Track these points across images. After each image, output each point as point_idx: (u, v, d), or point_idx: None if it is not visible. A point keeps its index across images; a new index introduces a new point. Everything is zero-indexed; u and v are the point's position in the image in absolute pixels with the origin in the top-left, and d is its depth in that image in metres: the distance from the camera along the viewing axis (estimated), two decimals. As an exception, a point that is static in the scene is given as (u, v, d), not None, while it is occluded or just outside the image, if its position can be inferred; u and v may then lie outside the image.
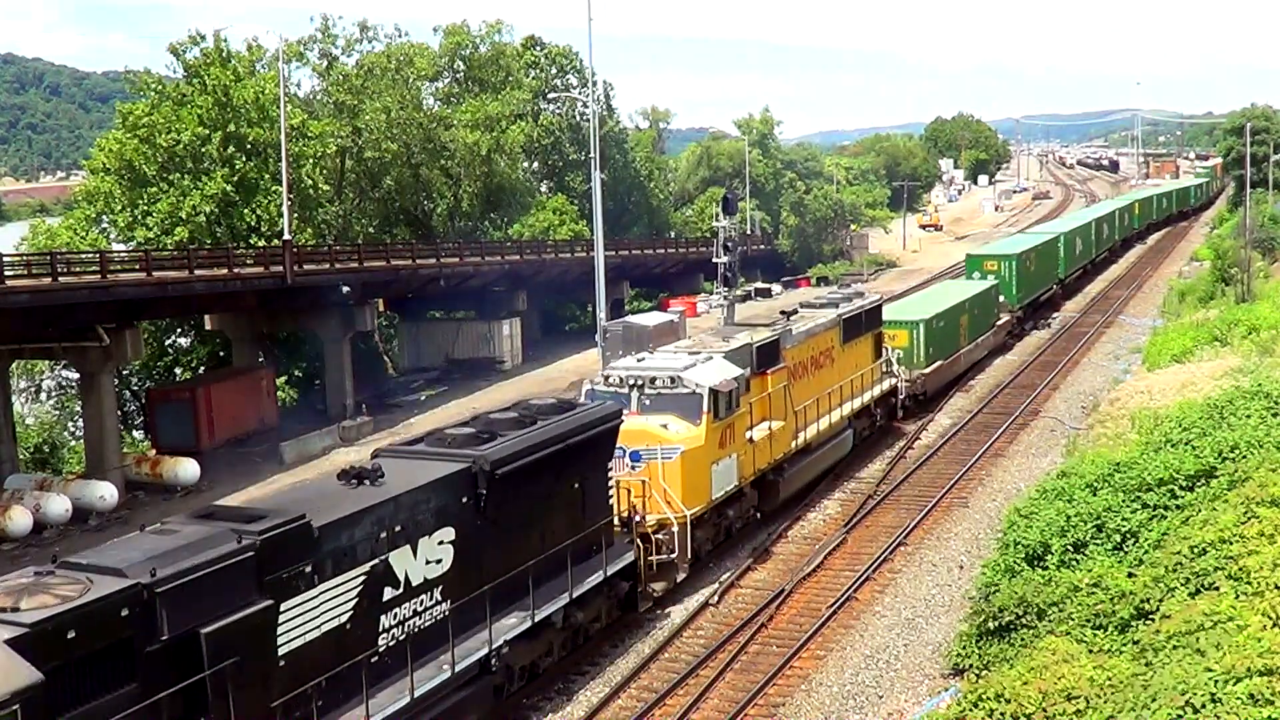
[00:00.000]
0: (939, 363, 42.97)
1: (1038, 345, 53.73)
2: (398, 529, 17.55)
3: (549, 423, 21.67)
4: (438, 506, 18.38)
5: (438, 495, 18.41)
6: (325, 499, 17.25)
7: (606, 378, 26.31)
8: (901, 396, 39.82)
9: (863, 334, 36.57)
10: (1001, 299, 53.30)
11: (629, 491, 24.17)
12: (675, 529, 24.61)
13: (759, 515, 29.61)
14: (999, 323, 52.03)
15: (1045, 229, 75.36)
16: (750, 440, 27.77)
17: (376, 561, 17.13)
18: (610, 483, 23.22)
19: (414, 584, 17.90)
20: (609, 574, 22.70)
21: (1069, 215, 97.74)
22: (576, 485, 21.96)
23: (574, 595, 21.55)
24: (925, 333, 41.82)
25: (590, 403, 24.50)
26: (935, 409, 42.34)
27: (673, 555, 24.72)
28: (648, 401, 25.69)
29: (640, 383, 25.89)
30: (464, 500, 18.92)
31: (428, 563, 18.17)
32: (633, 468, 24.62)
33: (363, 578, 16.86)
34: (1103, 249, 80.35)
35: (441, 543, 18.44)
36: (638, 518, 24.01)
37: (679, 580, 25.44)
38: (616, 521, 23.61)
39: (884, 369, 38.37)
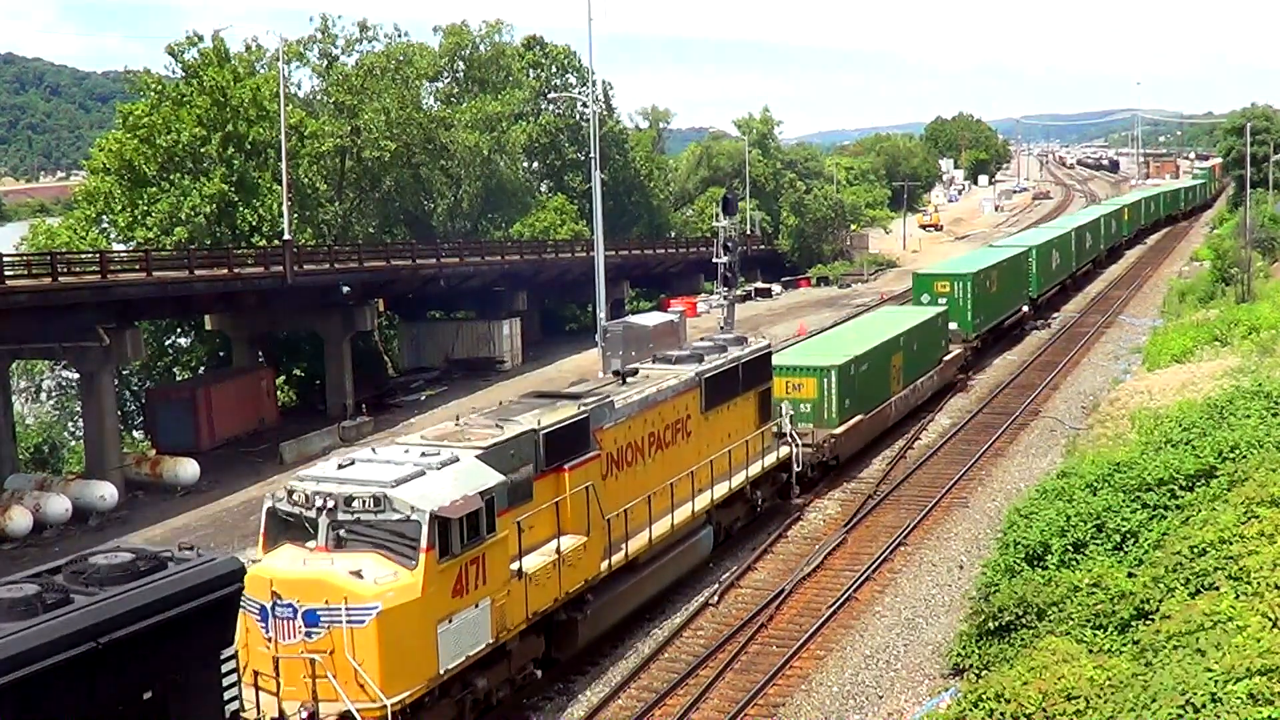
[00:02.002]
0: (858, 418, 35.23)
1: (1038, 345, 53.71)
2: None
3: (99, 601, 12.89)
4: None
5: None
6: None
7: (290, 493, 18.49)
8: (799, 468, 31.60)
9: (738, 394, 28.81)
10: (954, 326, 46.29)
11: (311, 666, 16.91)
12: None
13: (539, 672, 21.36)
14: (948, 357, 44.42)
15: (1015, 241, 66.70)
16: (519, 574, 19.88)
17: None
18: (226, 677, 14.37)
19: None
20: None
21: (1046, 225, 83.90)
22: (149, 695, 13.18)
23: None
24: (839, 381, 33.93)
25: (191, 557, 14.33)
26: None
27: None
28: (343, 533, 18.01)
29: (332, 504, 18.05)
30: None
31: None
32: (307, 634, 17.25)
33: None
34: (1085, 261, 72.72)
35: None
36: (305, 715, 16.86)
37: None
38: None
39: (774, 435, 30.83)
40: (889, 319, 44.41)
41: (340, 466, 19.02)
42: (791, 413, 31.86)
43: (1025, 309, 56.94)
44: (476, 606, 18.84)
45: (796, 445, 31.29)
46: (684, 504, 25.68)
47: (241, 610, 15.72)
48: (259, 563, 18.31)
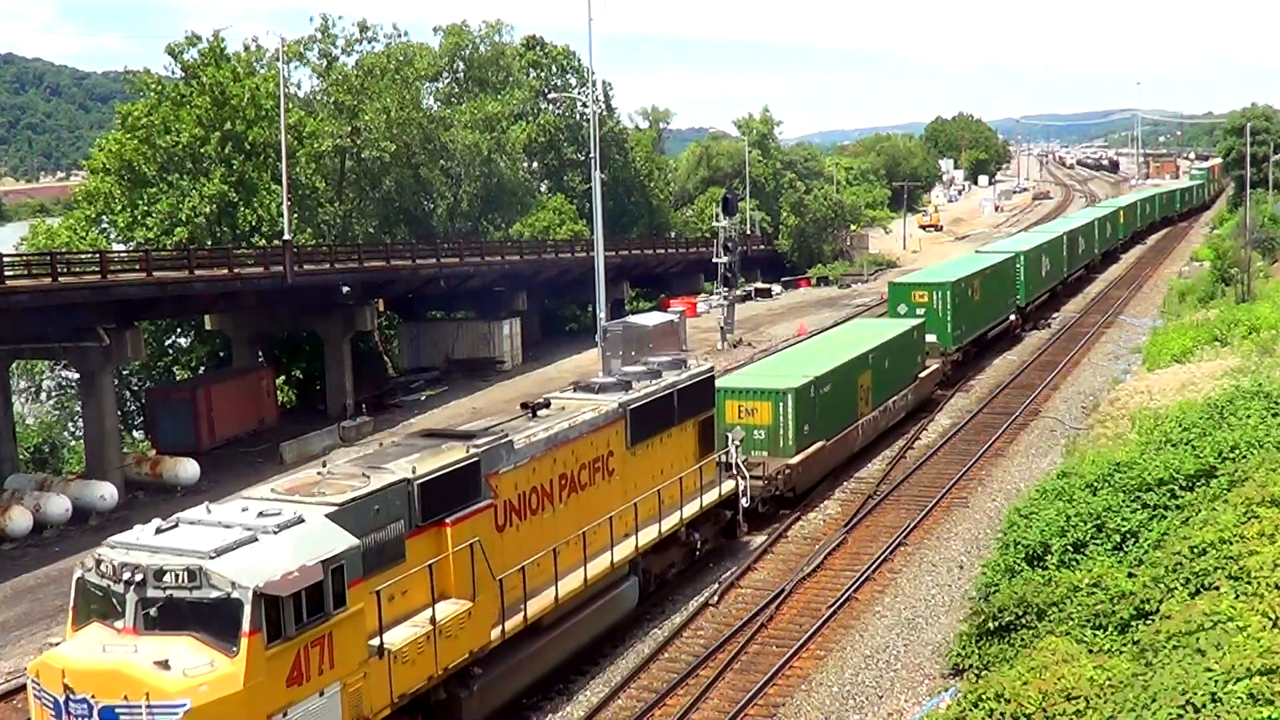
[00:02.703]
0: (819, 444, 32.49)
1: (1038, 345, 53.71)
2: None
3: None
4: None
5: None
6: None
7: (99, 562, 15.88)
8: (746, 503, 28.79)
9: (673, 425, 25.80)
10: (932, 339, 43.71)
11: None
12: None
13: None
14: (924, 373, 41.68)
15: (1001, 246, 63.86)
16: (381, 652, 17.14)
17: None
18: None
19: None
20: None
21: (1036, 229, 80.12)
22: None
23: None
24: (796, 405, 31.26)
25: None
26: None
27: None
28: (154, 612, 15.33)
29: (141, 577, 15.33)
30: None
31: None
32: None
33: None
34: (1077, 266, 70.30)
35: None
36: None
37: None
38: None
39: (718, 467, 27.84)
40: (859, 333, 41.47)
41: (159, 531, 16.14)
42: (739, 442, 28.65)
43: (1012, 318, 54.60)
44: (322, 695, 16.01)
45: (744, 478, 28.44)
46: (601, 554, 22.74)
47: (36, 703, 15.03)
48: (57, 647, 16.00)
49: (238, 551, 15.57)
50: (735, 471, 28.31)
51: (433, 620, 18.09)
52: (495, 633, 19.65)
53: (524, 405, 23.38)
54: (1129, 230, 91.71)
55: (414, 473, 18.42)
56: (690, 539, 26.57)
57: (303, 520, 16.49)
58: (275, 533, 16.07)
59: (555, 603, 21.27)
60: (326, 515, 16.77)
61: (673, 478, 25.40)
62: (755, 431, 30.97)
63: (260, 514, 16.49)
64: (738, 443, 28.59)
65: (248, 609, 14.95)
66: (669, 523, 25.19)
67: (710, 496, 26.93)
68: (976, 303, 48.40)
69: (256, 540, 15.87)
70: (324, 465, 19.00)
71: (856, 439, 35.56)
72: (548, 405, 23.44)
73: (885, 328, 41.73)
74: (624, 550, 23.45)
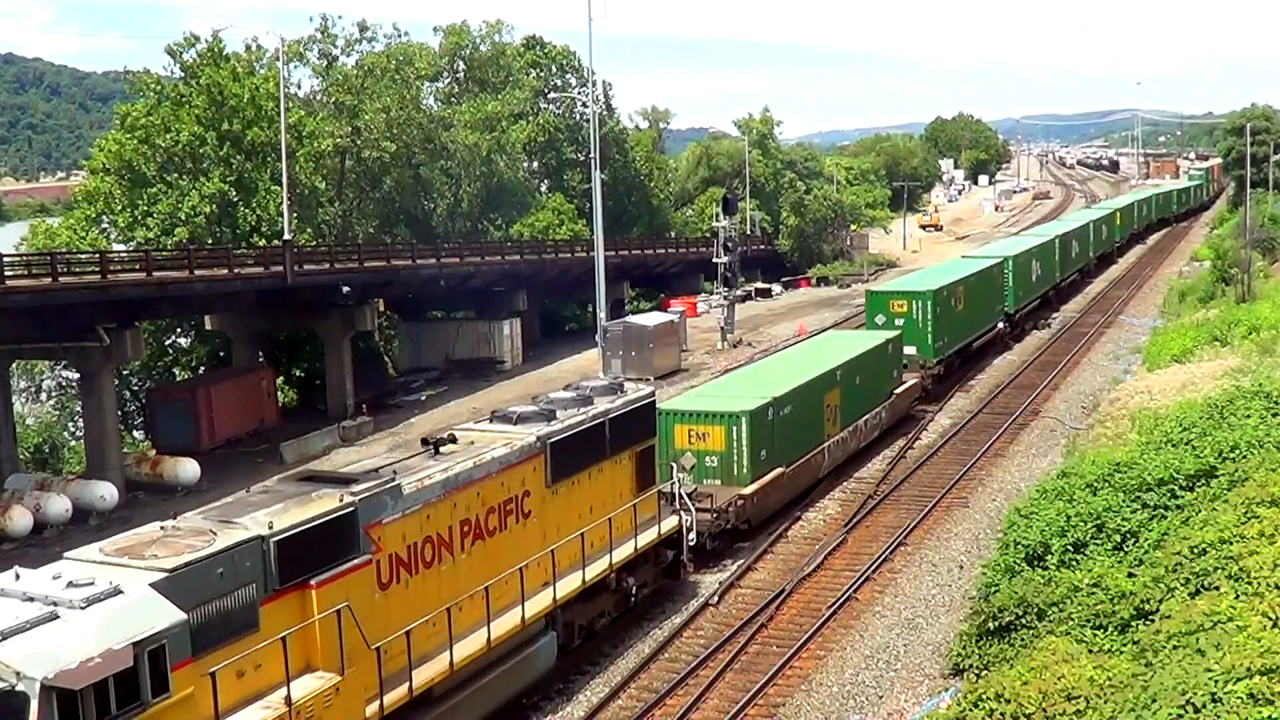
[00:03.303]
0: (777, 471, 29.95)
1: (1038, 345, 53.70)
2: None
3: None
4: None
5: None
6: None
7: None
8: (693, 541, 26.09)
9: (605, 458, 23.37)
10: (911, 351, 41.58)
11: None
12: None
13: None
14: (901, 389, 39.34)
15: (989, 251, 60.98)
16: None
17: None
18: None
19: None
20: None
21: (1028, 233, 76.24)
22: None
23: None
24: (752, 429, 28.73)
25: None
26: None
27: None
28: None
29: None
30: None
31: None
32: None
33: None
34: (1070, 271, 67.90)
35: None
36: None
37: None
38: None
39: (657, 502, 25.26)
40: (828, 347, 38.74)
41: None
42: (685, 472, 26.37)
43: (1001, 326, 52.45)
44: None
45: (690, 513, 25.95)
46: (511, 609, 20.19)
47: None
48: None
49: (30, 633, 13.14)
50: (680, 505, 25.82)
51: (288, 700, 15.50)
52: (371, 709, 17.02)
53: (425, 441, 20.65)
54: (1125, 233, 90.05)
55: (270, 528, 15.93)
56: (624, 584, 23.98)
57: (119, 592, 13.98)
58: (82, 608, 13.57)
59: (450, 669, 18.63)
60: (153, 584, 14.30)
61: (603, 517, 22.92)
62: (707, 458, 28.53)
63: (70, 584, 14.01)
64: (688, 470, 26.56)
65: (34, 705, 12.60)
66: (597, 568, 22.62)
67: (648, 536, 24.42)
68: (960, 312, 46.13)
69: (57, 618, 13.46)
70: (172, 518, 16.45)
71: (822, 463, 33.05)
72: (453, 440, 20.78)
73: (858, 340, 39.23)
74: (539, 603, 20.90)
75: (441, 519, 19.01)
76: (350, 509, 17.08)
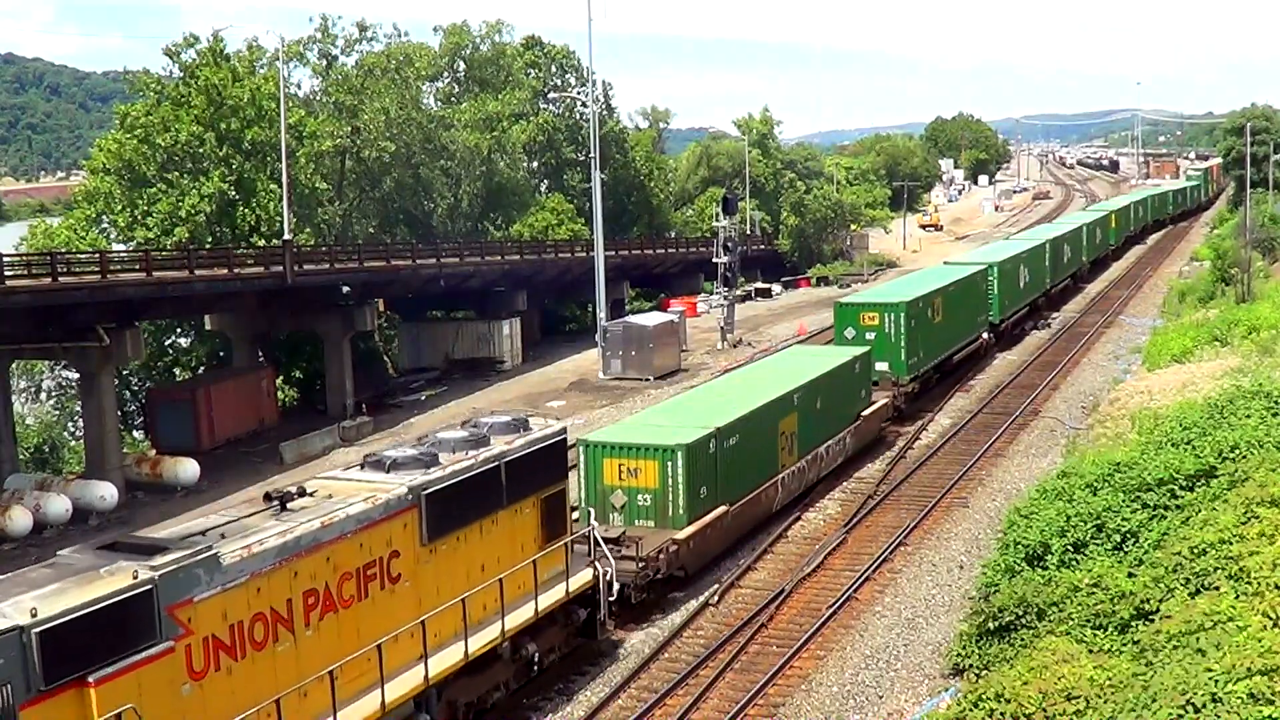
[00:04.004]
0: (720, 510, 26.85)
1: (1037, 345, 53.70)
2: None
3: None
4: None
5: None
6: None
7: None
8: (613, 596, 22.87)
9: (501, 507, 20.28)
10: (883, 367, 38.77)
11: None
12: None
13: None
14: (869, 410, 36.30)
15: (975, 256, 57.64)
16: None
17: None
18: None
19: None
20: None
21: (1018, 237, 71.49)
22: None
23: None
24: (689, 464, 25.51)
25: None
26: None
27: None
28: None
29: None
30: None
31: None
32: None
33: None
34: (1061, 277, 65.31)
35: None
36: None
37: None
38: None
39: (567, 555, 21.87)
40: (787, 366, 35.43)
41: None
42: (616, 511, 23.99)
43: (985, 336, 49.44)
44: None
45: (609, 563, 22.70)
46: (368, 691, 17.23)
47: None
48: None
49: None
50: (596, 555, 22.63)
51: None
52: None
53: (269, 496, 17.51)
54: (1121, 235, 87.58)
55: (32, 616, 13.14)
56: (524, 652, 20.96)
57: None
58: None
59: None
60: None
61: (494, 576, 19.85)
62: (640, 496, 25.45)
63: None
64: (618, 509, 24.22)
65: None
66: (484, 636, 19.56)
67: (553, 595, 21.30)
68: (938, 324, 42.98)
69: None
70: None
71: (775, 496, 29.91)
72: (305, 494, 17.76)
73: (822, 358, 35.88)
74: (407, 682, 17.93)
75: (278, 591, 16.13)
76: (146, 587, 14.25)
